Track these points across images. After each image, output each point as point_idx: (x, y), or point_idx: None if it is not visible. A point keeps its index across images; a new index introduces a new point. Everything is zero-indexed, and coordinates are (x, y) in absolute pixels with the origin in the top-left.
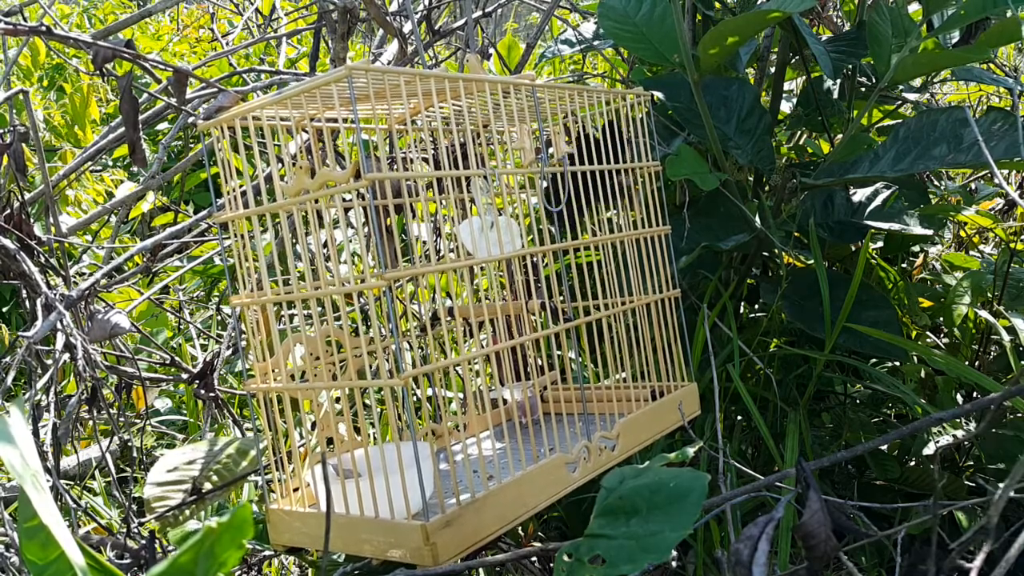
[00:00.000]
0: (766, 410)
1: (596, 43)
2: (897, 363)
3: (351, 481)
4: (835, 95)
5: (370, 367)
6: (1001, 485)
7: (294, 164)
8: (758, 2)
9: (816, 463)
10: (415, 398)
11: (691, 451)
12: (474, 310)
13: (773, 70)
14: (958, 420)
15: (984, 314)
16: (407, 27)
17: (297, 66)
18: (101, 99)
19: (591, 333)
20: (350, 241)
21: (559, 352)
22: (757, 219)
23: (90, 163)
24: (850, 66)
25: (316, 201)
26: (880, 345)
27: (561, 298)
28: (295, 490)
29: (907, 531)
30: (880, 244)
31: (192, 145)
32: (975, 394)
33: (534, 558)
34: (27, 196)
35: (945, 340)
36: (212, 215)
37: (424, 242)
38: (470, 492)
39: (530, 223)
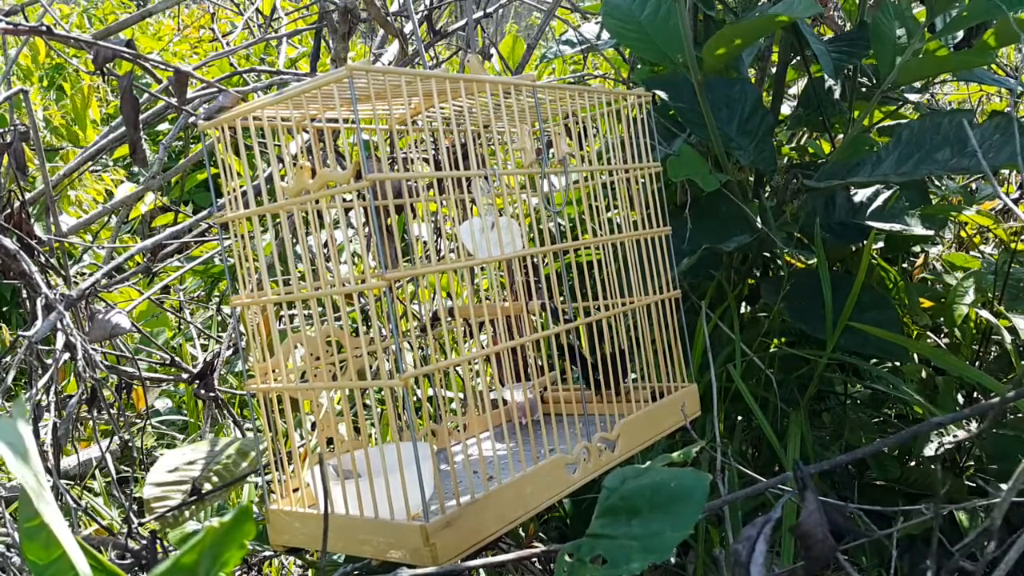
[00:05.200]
0: (766, 411)
1: (597, 43)
2: (898, 363)
3: (351, 481)
4: (836, 95)
5: (370, 367)
6: (1003, 486)
7: (295, 164)
8: (759, 2)
9: (818, 466)
10: (415, 398)
11: (692, 451)
12: (474, 310)
13: (774, 70)
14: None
15: (985, 314)
16: (408, 27)
17: (297, 66)
18: (101, 99)
19: (591, 334)
20: (350, 241)
21: (559, 352)
22: (758, 220)
23: (90, 163)
24: (851, 66)
25: (316, 201)
26: (882, 345)
27: (561, 299)
28: (295, 490)
29: (908, 531)
30: (881, 244)
31: (192, 145)
32: (975, 394)
33: (535, 559)
34: (27, 196)
35: (946, 340)
36: (212, 215)
37: (424, 242)
38: (470, 493)
39: (530, 223)
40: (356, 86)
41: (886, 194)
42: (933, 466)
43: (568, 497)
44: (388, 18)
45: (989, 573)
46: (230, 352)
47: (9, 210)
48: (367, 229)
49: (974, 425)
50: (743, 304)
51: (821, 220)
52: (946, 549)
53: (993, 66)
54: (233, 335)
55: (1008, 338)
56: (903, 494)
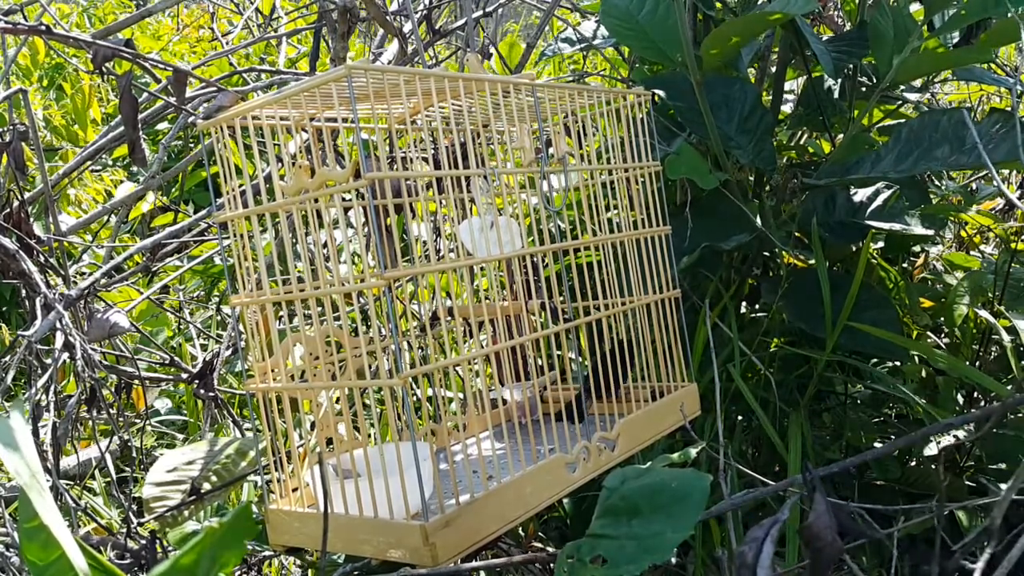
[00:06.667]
0: (765, 411)
1: (596, 42)
2: (898, 363)
3: (350, 481)
4: (836, 95)
5: (370, 367)
6: (1003, 485)
7: (294, 164)
8: (759, 2)
9: (825, 469)
10: (415, 398)
11: (693, 452)
12: (474, 310)
13: (774, 70)
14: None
15: (985, 314)
16: (407, 27)
17: (297, 66)
18: (102, 98)
19: (591, 333)
20: (350, 241)
21: (559, 352)
22: (758, 219)
23: (90, 163)
24: (851, 66)
25: (316, 201)
26: (881, 345)
27: (561, 298)
28: (294, 490)
29: (908, 531)
30: (881, 244)
31: (192, 145)
32: (975, 394)
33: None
34: (27, 195)
35: (946, 340)
36: (212, 215)
37: (424, 242)
38: (470, 492)
39: (530, 223)
40: (355, 85)
41: (886, 194)
42: (934, 466)
43: (568, 497)
44: (387, 17)
45: (988, 572)
46: (229, 352)
47: (8, 210)
48: (366, 228)
49: (974, 426)
50: (743, 304)
51: (821, 219)
52: (947, 548)
53: (993, 66)
54: (232, 335)
55: (1008, 338)
56: (903, 494)
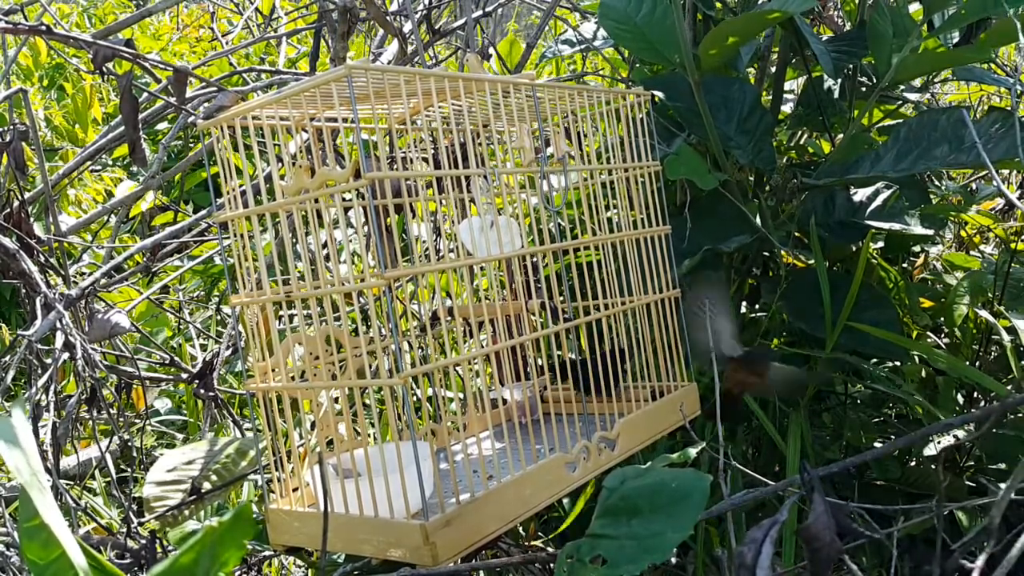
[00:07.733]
0: (766, 411)
1: (596, 43)
2: (898, 363)
3: (351, 481)
4: (836, 95)
5: (370, 367)
6: (1002, 485)
7: (294, 164)
8: (759, 2)
9: (825, 469)
10: (415, 398)
11: (693, 452)
12: (474, 310)
13: (774, 70)
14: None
15: (984, 314)
16: (407, 27)
17: (297, 66)
18: (103, 98)
19: (591, 333)
20: (350, 241)
21: (559, 352)
22: (758, 219)
23: (90, 162)
24: (851, 66)
25: (316, 201)
26: (881, 345)
27: (561, 298)
28: (295, 490)
29: (908, 531)
30: (881, 244)
31: (192, 145)
32: (975, 394)
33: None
34: (27, 195)
35: (946, 340)
36: (212, 215)
37: (424, 242)
38: (470, 492)
39: (530, 223)
40: (355, 85)
41: (886, 194)
42: (934, 466)
43: (568, 497)
44: (387, 17)
45: (988, 571)
46: (229, 352)
47: (8, 209)
48: (366, 228)
49: (974, 426)
50: (743, 304)
51: (821, 219)
52: (947, 548)
53: (992, 66)
54: (232, 335)
55: (1008, 338)
56: (903, 494)
